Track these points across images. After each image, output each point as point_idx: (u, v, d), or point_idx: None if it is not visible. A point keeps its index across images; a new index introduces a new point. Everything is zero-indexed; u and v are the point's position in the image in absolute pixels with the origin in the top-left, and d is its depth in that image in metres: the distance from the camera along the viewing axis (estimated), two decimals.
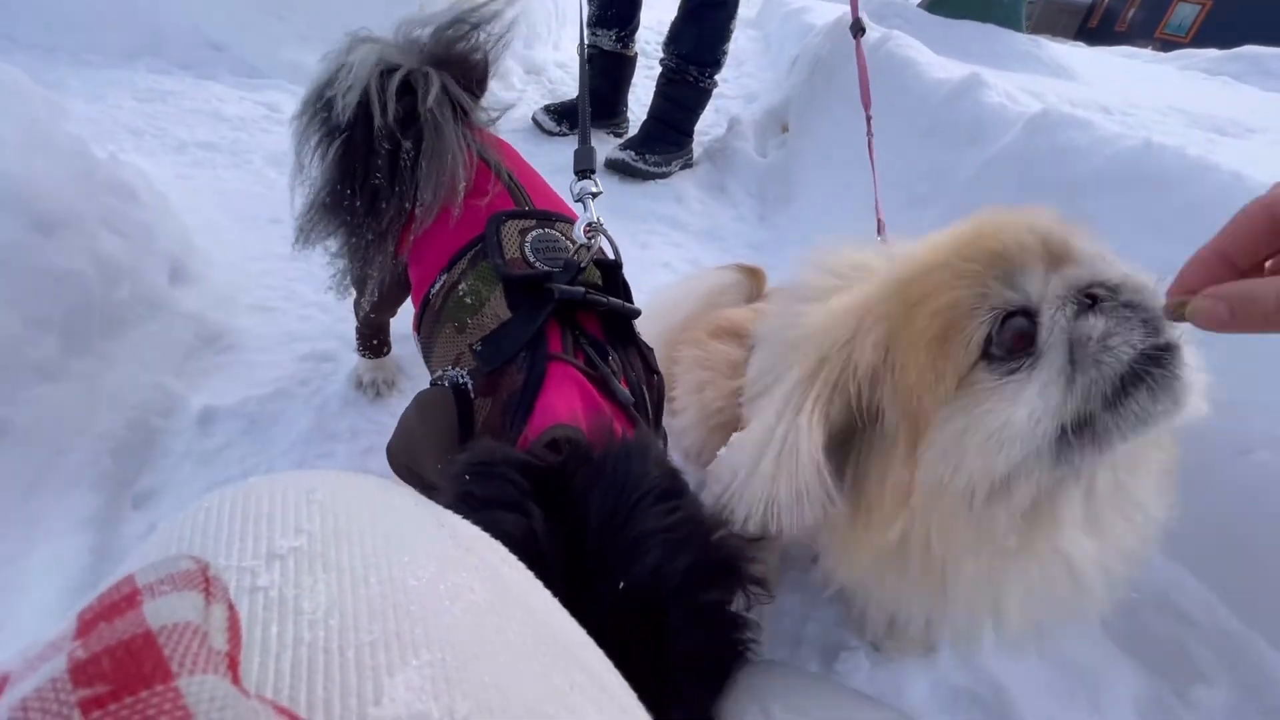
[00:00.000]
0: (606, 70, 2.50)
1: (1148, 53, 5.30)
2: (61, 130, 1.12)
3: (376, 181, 0.89)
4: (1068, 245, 0.52)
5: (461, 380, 0.76)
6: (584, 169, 0.90)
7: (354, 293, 1.13)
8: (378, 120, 0.86)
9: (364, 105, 0.86)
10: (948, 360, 0.51)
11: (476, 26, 0.97)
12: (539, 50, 3.17)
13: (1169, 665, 0.84)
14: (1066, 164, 1.15)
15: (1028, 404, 0.48)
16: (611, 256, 0.87)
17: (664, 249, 1.99)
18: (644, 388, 0.80)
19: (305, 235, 0.99)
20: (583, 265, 0.80)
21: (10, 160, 0.94)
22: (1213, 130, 2.03)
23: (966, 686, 0.91)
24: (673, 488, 0.59)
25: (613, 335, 0.81)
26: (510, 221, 0.85)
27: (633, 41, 2.47)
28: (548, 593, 0.35)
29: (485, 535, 0.36)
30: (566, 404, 0.69)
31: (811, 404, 0.55)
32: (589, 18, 2.45)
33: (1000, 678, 0.91)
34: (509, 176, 0.94)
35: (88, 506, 0.87)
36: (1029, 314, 0.50)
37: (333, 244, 1.00)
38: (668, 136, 2.33)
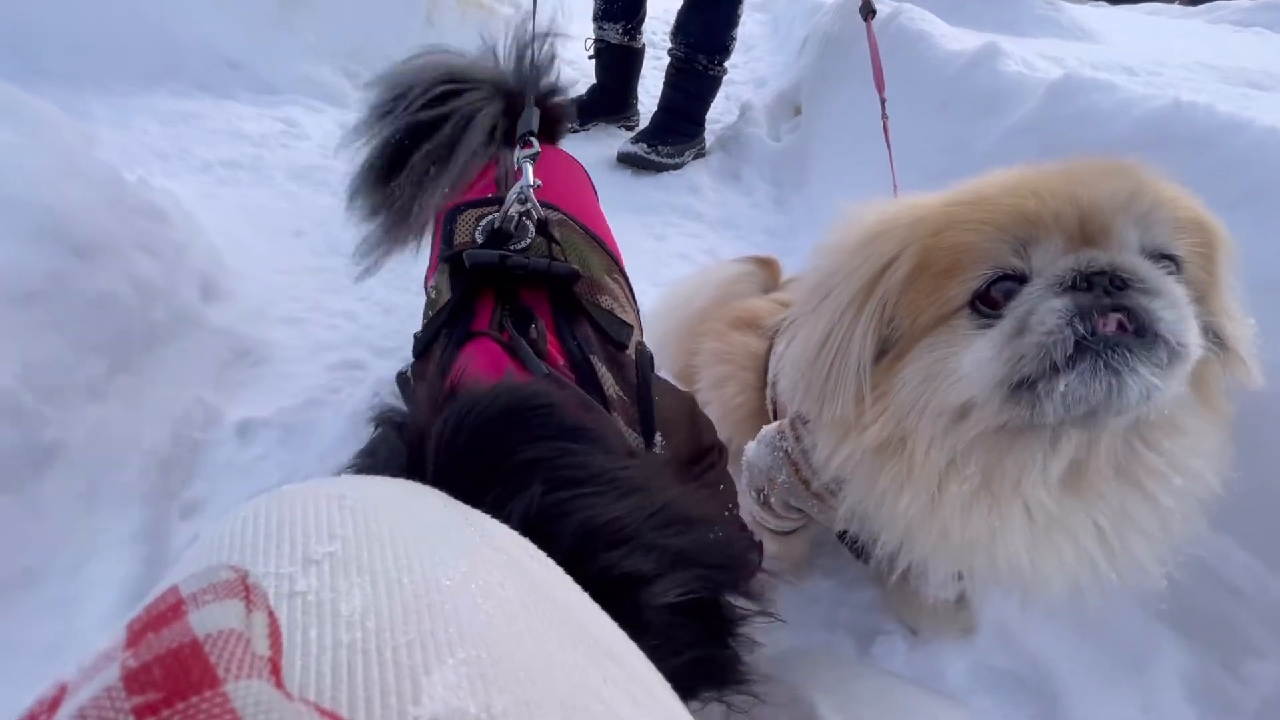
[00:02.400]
0: (614, 64, 2.49)
1: (1174, 8, 5.11)
2: (92, 158, 1.16)
3: (393, 160, 0.96)
4: (1108, 226, 0.52)
5: (405, 368, 0.77)
6: (524, 133, 0.90)
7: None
8: (400, 113, 0.92)
9: (400, 98, 0.93)
10: (940, 295, 0.56)
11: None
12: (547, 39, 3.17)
13: (1218, 639, 0.82)
14: (1091, 130, 1.12)
15: (975, 354, 0.53)
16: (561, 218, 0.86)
17: (680, 240, 1.98)
18: (590, 358, 0.72)
19: (352, 196, 1.09)
20: (498, 228, 0.77)
21: (47, 192, 0.98)
22: (1245, 85, 1.95)
23: (1008, 667, 0.90)
24: (590, 433, 0.48)
25: (559, 307, 0.76)
26: (468, 210, 0.85)
27: (640, 33, 2.46)
28: (577, 586, 0.35)
29: (514, 533, 0.36)
30: (469, 371, 0.65)
31: (867, 320, 0.59)
32: (595, 12, 2.44)
33: (1042, 657, 0.90)
34: (507, 179, 0.95)
35: (139, 520, 0.91)
36: (1022, 280, 0.54)
37: (364, 210, 1.09)
38: (679, 127, 2.32)
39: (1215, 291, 0.58)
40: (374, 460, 0.49)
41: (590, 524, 0.41)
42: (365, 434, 1.25)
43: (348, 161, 1.11)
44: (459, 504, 0.37)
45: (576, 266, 0.78)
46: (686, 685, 0.44)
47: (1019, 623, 0.92)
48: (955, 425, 0.57)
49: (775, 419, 1.01)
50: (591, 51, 2.48)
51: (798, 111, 2.55)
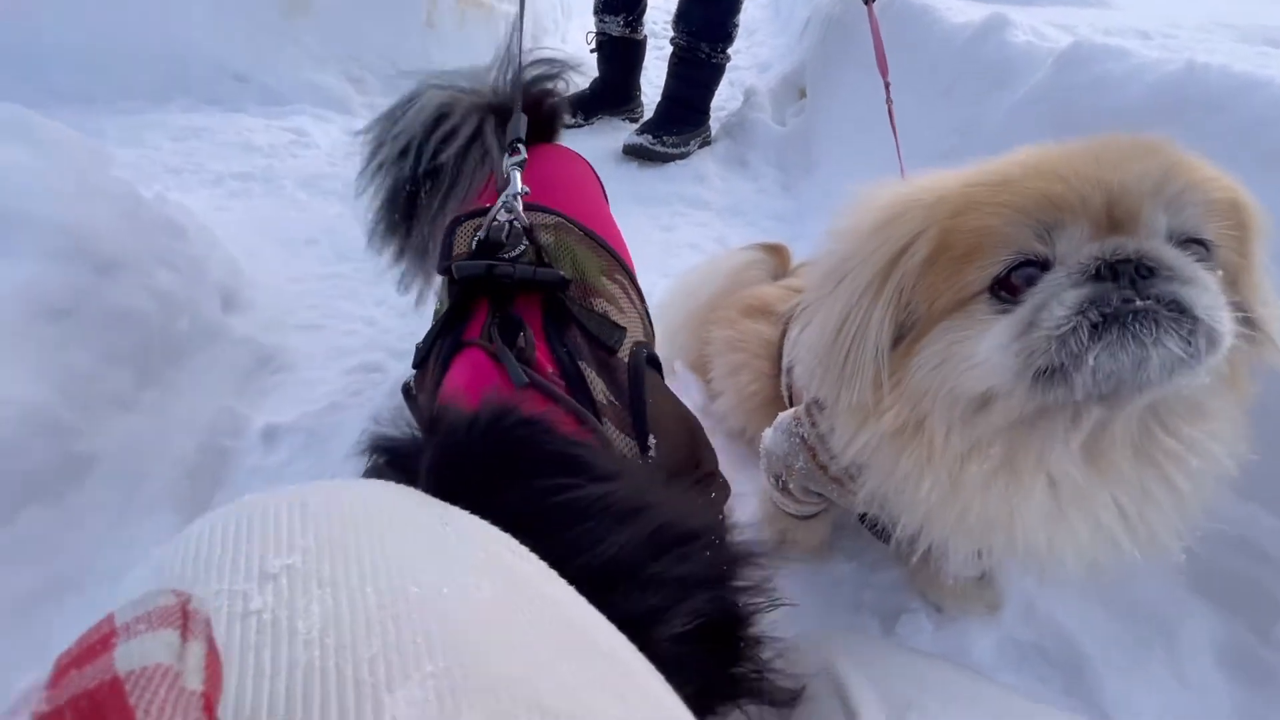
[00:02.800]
0: (616, 56, 2.49)
1: None
2: (109, 176, 1.19)
3: (406, 209, 1.00)
4: (1137, 211, 0.50)
5: (408, 380, 0.78)
6: (512, 140, 0.90)
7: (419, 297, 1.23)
8: (410, 161, 0.96)
9: (405, 153, 0.97)
10: (959, 280, 0.54)
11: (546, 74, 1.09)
12: (547, 44, 3.17)
13: (1247, 605, 0.82)
14: (1104, 98, 1.10)
15: (989, 343, 0.52)
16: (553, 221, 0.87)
17: (688, 230, 1.98)
18: (578, 364, 0.71)
19: (371, 240, 1.15)
20: (486, 239, 0.78)
21: (68, 211, 1.00)
22: (1264, 43, 1.90)
23: (1034, 641, 0.90)
24: (570, 459, 0.46)
25: (549, 313, 0.76)
26: (466, 222, 0.86)
27: (641, 25, 2.45)
28: (563, 581, 0.34)
29: (494, 529, 0.34)
30: (457, 385, 0.66)
31: (884, 306, 0.58)
32: (596, 5, 2.43)
33: (1069, 630, 0.89)
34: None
35: (171, 527, 0.94)
36: (1044, 266, 0.52)
37: (389, 252, 1.15)
38: (684, 116, 2.31)
39: (1248, 274, 0.56)
40: None
41: (587, 570, 0.39)
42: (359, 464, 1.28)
43: (354, 168, 1.14)
44: (436, 503, 0.35)
45: (564, 273, 0.78)
46: (702, 705, 0.43)
47: (1044, 598, 0.92)
48: (977, 413, 0.56)
49: (791, 405, 1.01)
50: (593, 45, 2.48)
51: (802, 95, 2.53)
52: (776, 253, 1.35)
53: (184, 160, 2.07)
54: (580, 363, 0.70)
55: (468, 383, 0.64)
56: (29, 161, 1.05)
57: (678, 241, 1.90)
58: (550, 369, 0.69)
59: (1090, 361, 0.48)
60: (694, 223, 2.02)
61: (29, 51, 2.40)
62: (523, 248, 0.79)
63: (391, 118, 1.06)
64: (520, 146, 0.89)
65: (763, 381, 1.15)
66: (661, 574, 0.42)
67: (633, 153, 2.25)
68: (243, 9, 2.50)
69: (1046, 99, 1.21)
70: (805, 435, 0.87)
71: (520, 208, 0.81)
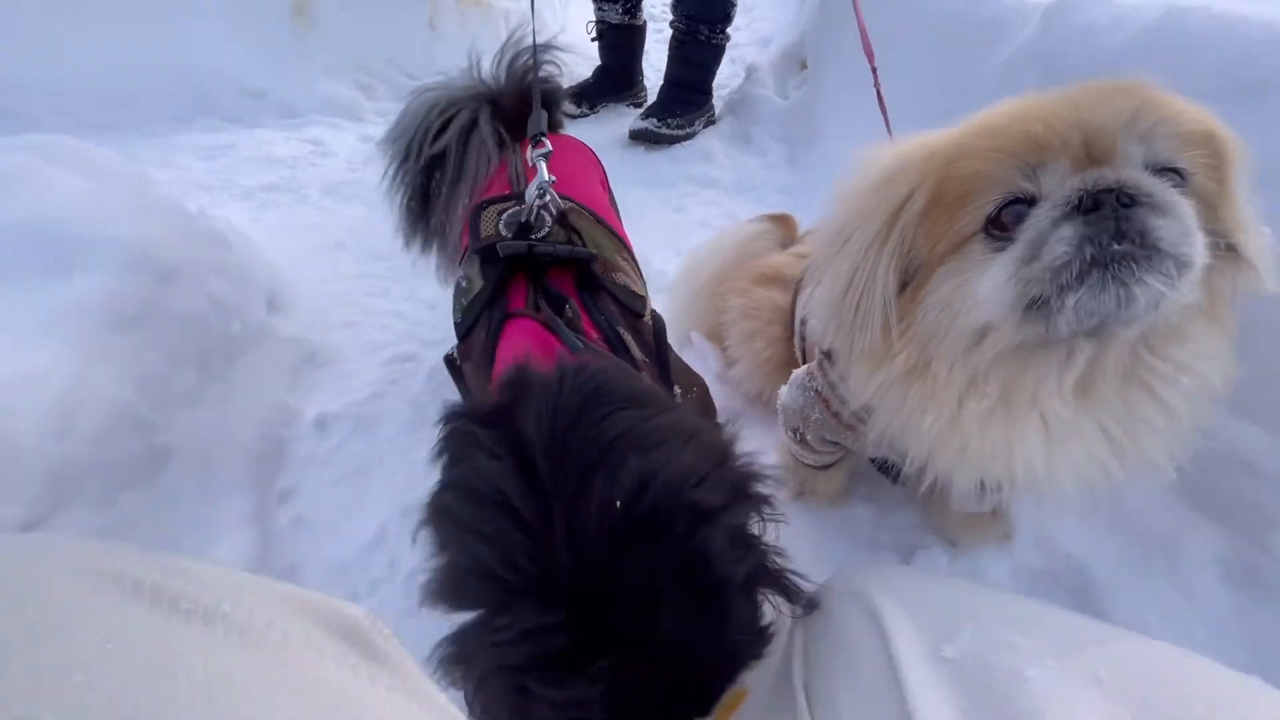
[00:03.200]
0: (617, 44, 2.53)
1: None
2: (156, 195, 1.29)
3: (421, 200, 1.08)
4: (1113, 145, 0.54)
5: (451, 353, 0.86)
6: (535, 135, 0.98)
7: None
8: (412, 159, 1.04)
9: (407, 152, 1.05)
10: (955, 223, 0.58)
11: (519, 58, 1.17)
12: (545, 35, 3.21)
13: (1245, 519, 0.86)
14: (1090, 47, 1.13)
15: (990, 279, 0.56)
16: (574, 207, 0.94)
17: (698, 209, 2.03)
18: (618, 330, 0.81)
19: (404, 239, 1.23)
20: (524, 221, 0.85)
21: (128, 228, 1.10)
22: None
23: (1045, 568, 0.96)
24: (642, 396, 0.57)
25: (583, 286, 0.86)
26: (490, 207, 0.93)
27: (640, 10, 2.49)
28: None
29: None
30: (517, 349, 0.73)
31: (889, 257, 0.62)
32: None
33: (1078, 556, 0.95)
34: (518, 176, 1.04)
35: (246, 506, 1.04)
36: (1031, 203, 0.56)
37: (416, 245, 1.23)
38: (687, 98, 2.35)
39: (1227, 202, 0.59)
40: (474, 469, 0.52)
41: (676, 474, 0.50)
42: (428, 414, 1.35)
43: (372, 172, 1.23)
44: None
45: (594, 250, 0.87)
46: (748, 585, 0.53)
47: (1053, 527, 0.97)
48: (975, 346, 0.60)
49: (804, 364, 1.07)
50: (594, 34, 2.52)
51: (804, 67, 2.55)
52: (783, 223, 1.40)
53: (214, 178, 2.18)
54: (618, 328, 0.80)
55: (531, 347, 0.72)
56: (86, 186, 1.15)
57: (689, 221, 1.96)
58: (594, 335, 0.78)
59: (1071, 301, 0.52)
60: (703, 201, 2.07)
61: (59, 86, 2.53)
62: (548, 229, 0.86)
63: (397, 125, 1.16)
64: (544, 140, 0.96)
65: (777, 346, 1.21)
66: (720, 479, 0.53)
67: (639, 137, 2.30)
68: (252, 28, 2.60)
69: (1036, 53, 1.24)
70: (819, 387, 0.93)
71: (552, 195, 0.89)
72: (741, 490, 0.55)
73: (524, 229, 0.86)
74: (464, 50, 1.21)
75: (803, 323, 1.05)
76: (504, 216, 0.91)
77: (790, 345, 1.17)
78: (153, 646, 0.26)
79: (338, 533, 1.09)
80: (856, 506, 1.08)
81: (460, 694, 0.54)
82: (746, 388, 1.29)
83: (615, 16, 2.44)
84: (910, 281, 0.63)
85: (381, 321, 1.57)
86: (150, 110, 2.54)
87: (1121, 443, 0.62)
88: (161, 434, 1.00)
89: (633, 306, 0.86)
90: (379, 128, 2.57)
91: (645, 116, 2.31)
